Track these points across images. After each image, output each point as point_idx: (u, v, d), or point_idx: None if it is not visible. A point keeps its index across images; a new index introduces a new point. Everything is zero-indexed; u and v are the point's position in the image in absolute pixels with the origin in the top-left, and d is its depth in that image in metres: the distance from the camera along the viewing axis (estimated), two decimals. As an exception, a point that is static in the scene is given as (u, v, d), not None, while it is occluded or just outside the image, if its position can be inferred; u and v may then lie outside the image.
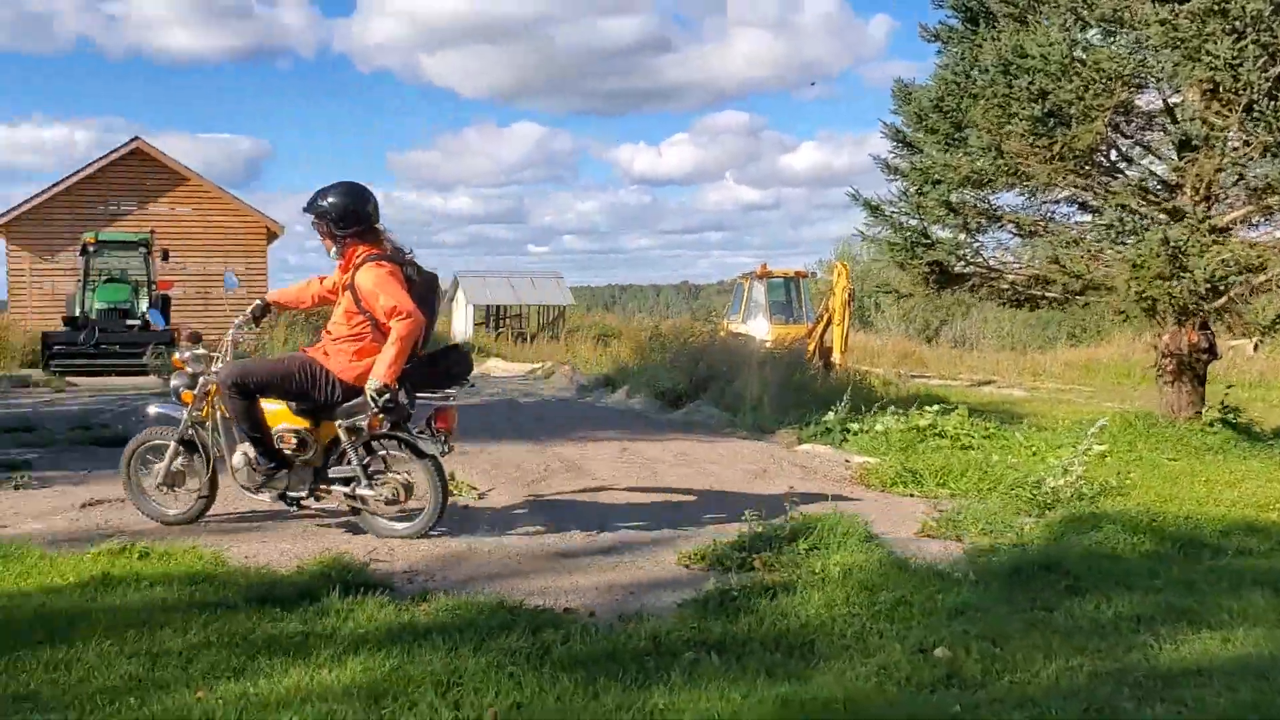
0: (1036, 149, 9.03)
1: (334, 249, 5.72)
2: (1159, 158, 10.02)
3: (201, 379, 5.84)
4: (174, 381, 6.06)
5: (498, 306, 42.82)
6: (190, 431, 5.89)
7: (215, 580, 4.62)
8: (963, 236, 10.47)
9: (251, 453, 5.65)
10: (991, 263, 10.69)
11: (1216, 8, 8.17)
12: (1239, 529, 5.97)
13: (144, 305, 19.06)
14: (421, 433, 5.73)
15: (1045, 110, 8.92)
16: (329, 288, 6.01)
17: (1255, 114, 8.46)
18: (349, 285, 5.62)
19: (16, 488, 6.94)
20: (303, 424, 5.68)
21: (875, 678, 3.63)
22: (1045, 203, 10.50)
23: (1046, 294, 10.44)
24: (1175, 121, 9.23)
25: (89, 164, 25.44)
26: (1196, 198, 9.29)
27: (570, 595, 4.70)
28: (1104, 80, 8.70)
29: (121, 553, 5.02)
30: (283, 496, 5.81)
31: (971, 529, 6.04)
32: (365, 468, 5.71)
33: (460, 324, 40.91)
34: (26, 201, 25.04)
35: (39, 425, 9.91)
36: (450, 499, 6.81)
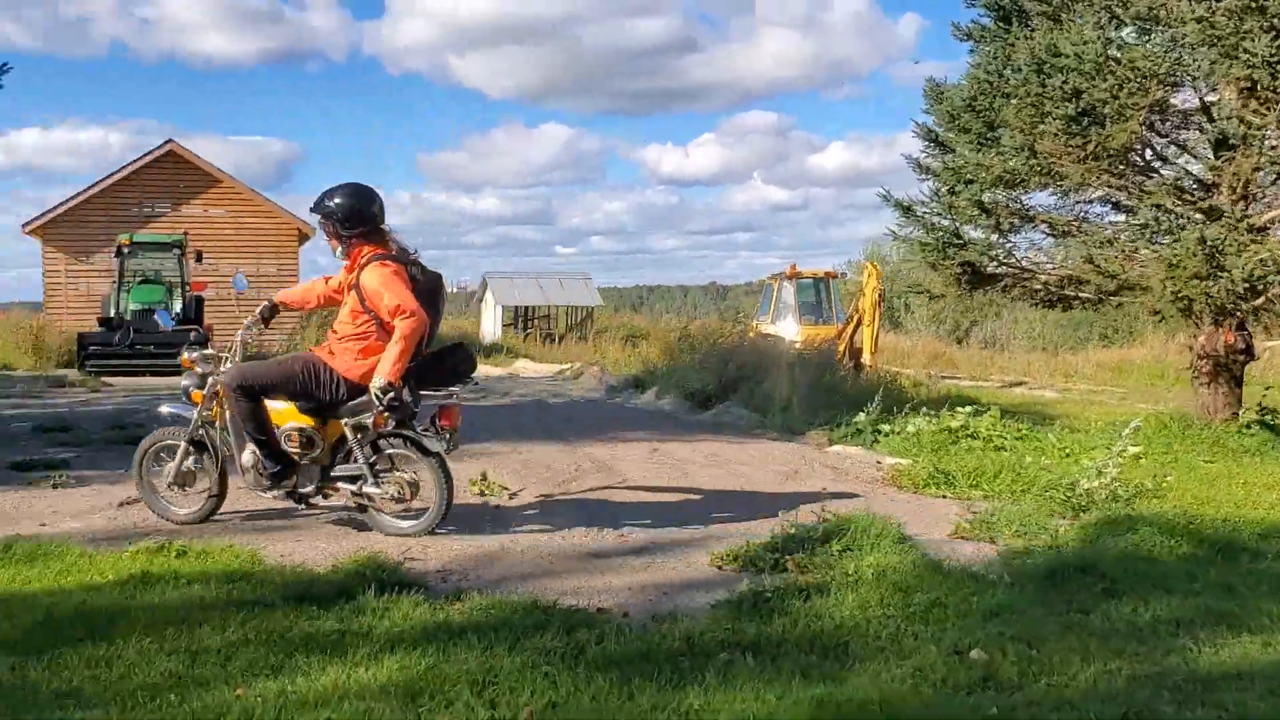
0: (1070, 148, 8.96)
1: (340, 249, 5.81)
2: (1195, 157, 9.92)
3: (210, 379, 5.91)
4: (183, 382, 6.14)
5: (526, 307, 42.88)
6: (200, 431, 5.97)
7: (252, 578, 4.67)
8: (995, 237, 10.40)
9: (257, 454, 5.72)
10: (1024, 263, 10.62)
11: (1254, 5, 8.07)
12: (1278, 532, 5.90)
13: (178, 306, 19.25)
14: (426, 430, 5.77)
15: (1079, 109, 8.85)
16: (334, 288, 6.09)
17: (1294, 112, 8.37)
18: (354, 285, 5.68)
19: (55, 486, 7.03)
20: (309, 422, 5.74)
21: (911, 680, 3.62)
22: (1078, 203, 10.42)
23: (1080, 294, 10.35)
24: (1212, 120, 9.13)
25: (123, 166, 25.74)
26: (1234, 196, 9.19)
27: (603, 595, 4.71)
28: (1139, 79, 8.62)
29: (159, 551, 5.08)
30: (291, 494, 5.88)
31: (1005, 531, 6.00)
32: (371, 466, 5.76)
33: (489, 325, 41.01)
34: (62, 204, 25.35)
35: (75, 425, 10.03)
36: (484, 498, 6.89)
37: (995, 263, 10.43)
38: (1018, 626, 4.17)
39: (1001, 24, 10.15)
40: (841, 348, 17.63)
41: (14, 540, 5.32)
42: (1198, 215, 9.14)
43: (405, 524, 5.82)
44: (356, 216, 5.70)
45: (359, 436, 5.73)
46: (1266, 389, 11.72)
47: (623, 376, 18.09)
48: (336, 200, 5.70)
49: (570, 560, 5.41)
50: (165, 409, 6.23)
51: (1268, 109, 8.50)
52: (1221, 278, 8.53)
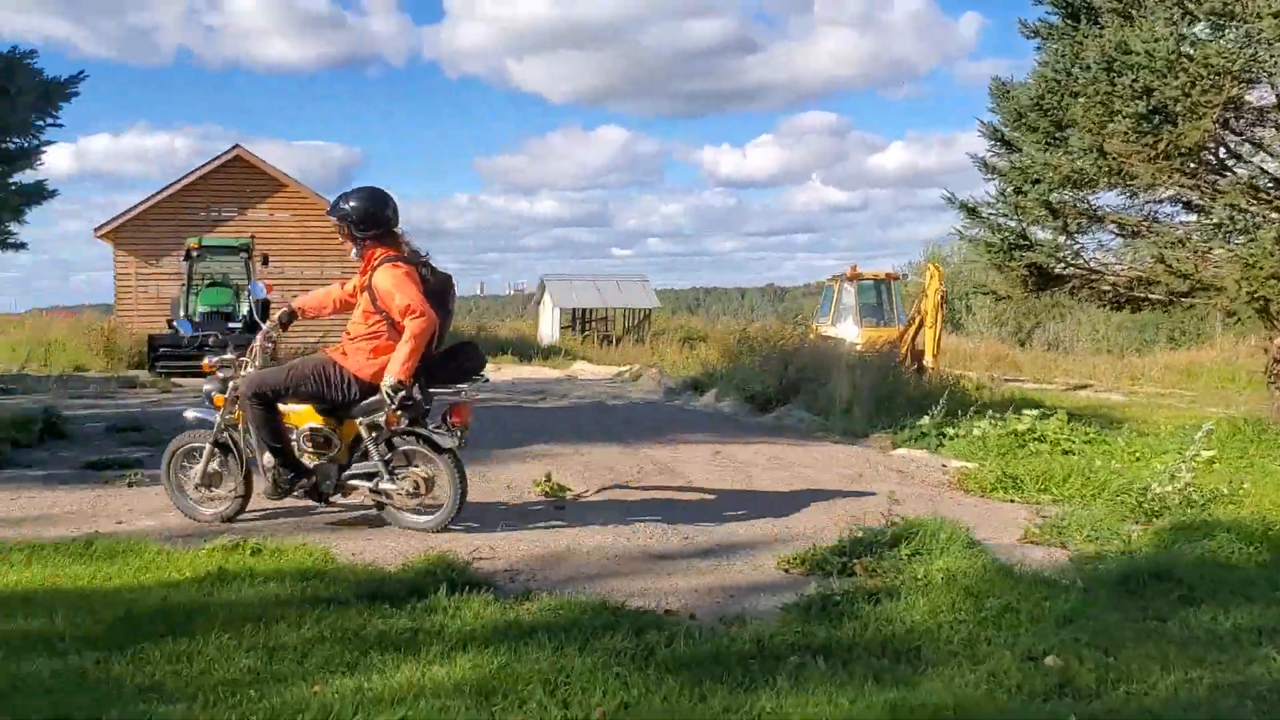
0: (1140, 148, 8.80)
1: (354, 250, 5.96)
2: (1271, 155, 9.69)
3: (231, 384, 6.05)
4: (206, 386, 6.31)
5: (584, 310, 43.05)
6: (225, 434, 6.12)
7: (325, 576, 4.74)
8: (1062, 238, 10.24)
9: (269, 462, 5.87)
10: (1092, 264, 10.45)
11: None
12: (1362, 539, 5.73)
13: (245, 308, 19.57)
14: (438, 428, 5.90)
15: (1149, 108, 8.70)
16: (350, 292, 6.21)
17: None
18: (366, 286, 5.83)
19: (130, 485, 7.20)
20: (327, 422, 5.91)
21: (985, 685, 3.58)
22: (1149, 202, 10.22)
23: (1150, 296, 10.16)
24: (1289, 117, 8.93)
25: (191, 171, 26.24)
26: (1312, 195, 8.96)
27: (670, 597, 4.72)
28: (1212, 76, 8.45)
29: (234, 549, 5.18)
30: (311, 492, 6.03)
31: (1076, 536, 5.91)
32: (387, 463, 5.91)
33: (546, 327, 41.24)
34: (133, 209, 25.90)
35: (147, 425, 10.24)
36: (548, 499, 6.92)
37: (1063, 264, 10.28)
38: (1093, 633, 4.10)
39: (1069, 21, 10.00)
40: (903, 350, 17.46)
41: (94, 538, 5.46)
42: (1274, 214, 8.93)
43: (421, 519, 5.95)
44: (370, 219, 5.85)
45: (374, 435, 5.89)
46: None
47: (681, 379, 18.06)
48: (352, 204, 5.85)
49: (636, 562, 5.42)
50: (190, 413, 6.40)
51: (1348, 105, 8.28)
52: (1300, 278, 8.33)
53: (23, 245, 16.30)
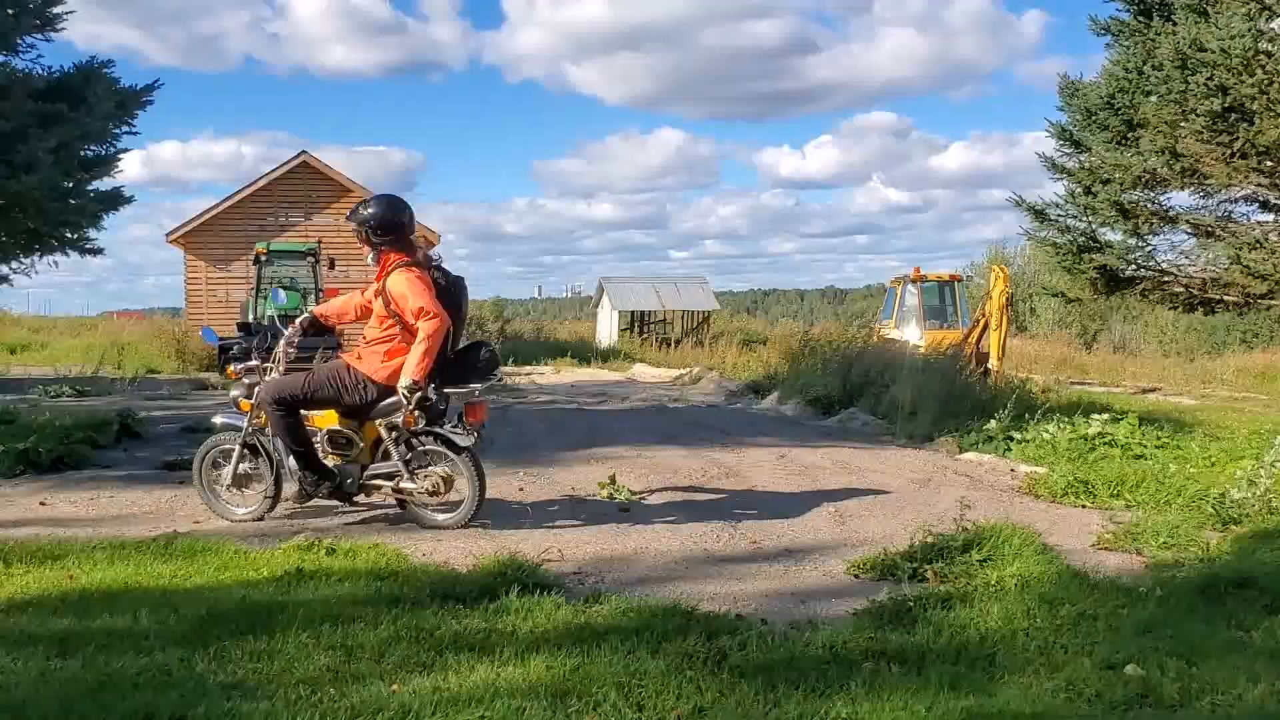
0: (1215, 147, 8.63)
1: (371, 255, 6.12)
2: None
3: (256, 389, 6.22)
4: (233, 392, 6.54)
5: (642, 312, 43.07)
6: (252, 438, 6.30)
7: (399, 576, 4.80)
8: (1133, 240, 10.06)
9: (294, 465, 6.03)
10: (1164, 265, 10.26)
11: None
12: None
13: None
14: (455, 427, 6.04)
15: (1225, 106, 8.52)
16: (368, 298, 6.31)
17: None
18: (381, 290, 5.99)
19: (205, 485, 7.33)
20: (348, 424, 6.11)
21: (1064, 693, 3.53)
22: (1224, 202, 10.01)
23: (1225, 298, 9.96)
24: (1371, 113, 8.68)
25: (259, 177, 26.71)
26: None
27: (740, 601, 4.71)
28: (1291, 72, 8.26)
29: (309, 549, 5.27)
30: (335, 492, 6.18)
31: (1151, 542, 5.80)
32: (407, 463, 6.06)
33: (605, 330, 41.31)
34: (203, 214, 26.43)
35: (220, 426, 10.41)
36: (613, 501, 6.94)
37: (1134, 266, 10.10)
38: (1173, 642, 4.02)
39: (1141, 18, 9.84)
40: (967, 352, 17.25)
41: (173, 537, 5.59)
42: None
43: (441, 517, 6.12)
44: (387, 225, 6.03)
45: (393, 436, 6.06)
46: None
47: (741, 381, 18.03)
48: (370, 210, 6.06)
49: (703, 565, 5.42)
50: (218, 418, 6.61)
51: None
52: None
53: (100, 250, 16.71)
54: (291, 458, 6.03)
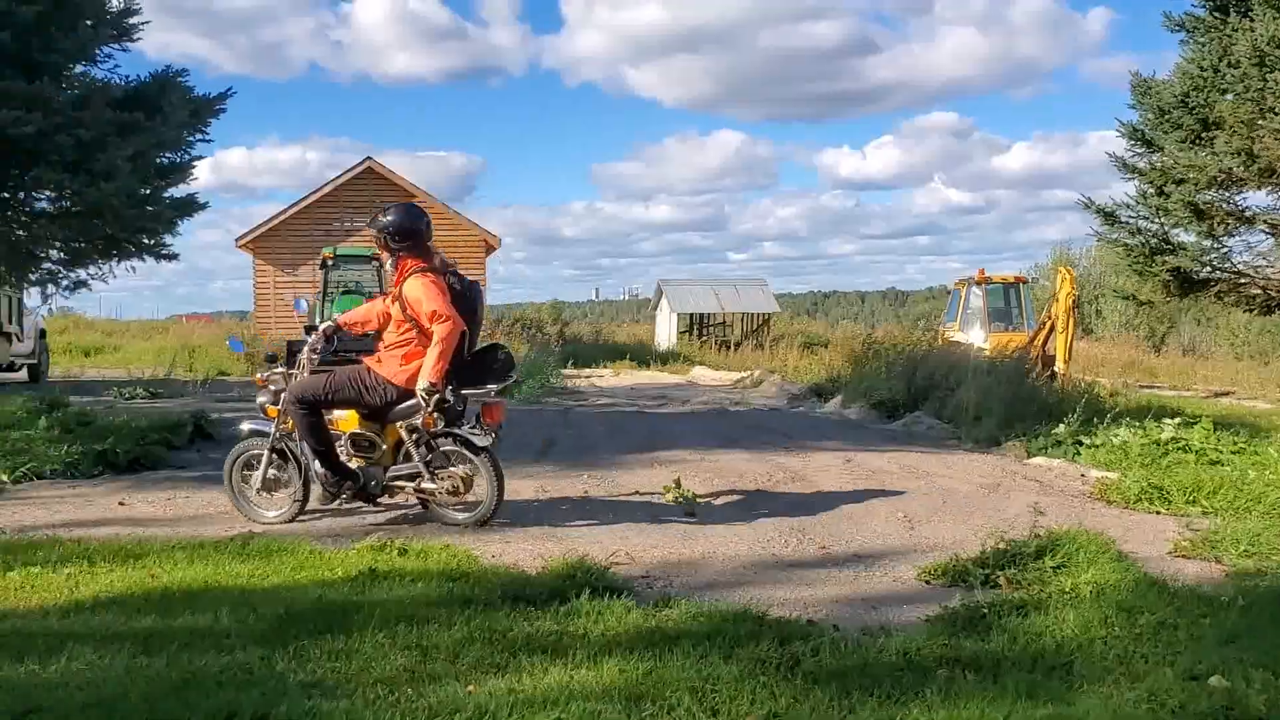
0: (1295, 144, 8.42)
1: (390, 261, 6.32)
2: None
3: (283, 395, 6.36)
4: (259, 399, 6.68)
5: (701, 314, 43.03)
6: (281, 442, 6.46)
7: (470, 578, 4.85)
8: (1208, 241, 9.85)
9: (319, 468, 6.19)
10: (1240, 267, 10.03)
11: None
12: None
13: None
14: (474, 428, 6.20)
15: (1305, 103, 8.31)
16: (388, 305, 6.41)
17: None
18: (398, 296, 6.15)
19: (279, 486, 7.46)
20: (370, 427, 6.28)
21: (1146, 704, 3.46)
22: (1304, 201, 9.77)
23: (1304, 299, 9.71)
24: None
25: (325, 183, 27.17)
26: None
27: (810, 607, 4.69)
28: (1375, 68, 8.03)
29: (382, 549, 5.35)
30: (359, 493, 6.34)
31: (1231, 550, 5.66)
32: (428, 464, 6.23)
33: (663, 332, 41.35)
34: (270, 220, 26.95)
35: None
36: (679, 504, 6.94)
37: (1208, 268, 9.88)
38: (1259, 653, 3.92)
39: (1217, 14, 9.62)
40: (1033, 355, 17.00)
41: (250, 537, 5.70)
42: None
43: (461, 516, 6.31)
44: (404, 232, 6.23)
45: (413, 437, 6.23)
46: None
47: (804, 385, 17.94)
48: (389, 218, 6.25)
49: (772, 570, 5.41)
50: (245, 424, 6.74)
51: None
52: None
53: (175, 256, 17.07)
54: (316, 460, 6.20)
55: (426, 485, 6.23)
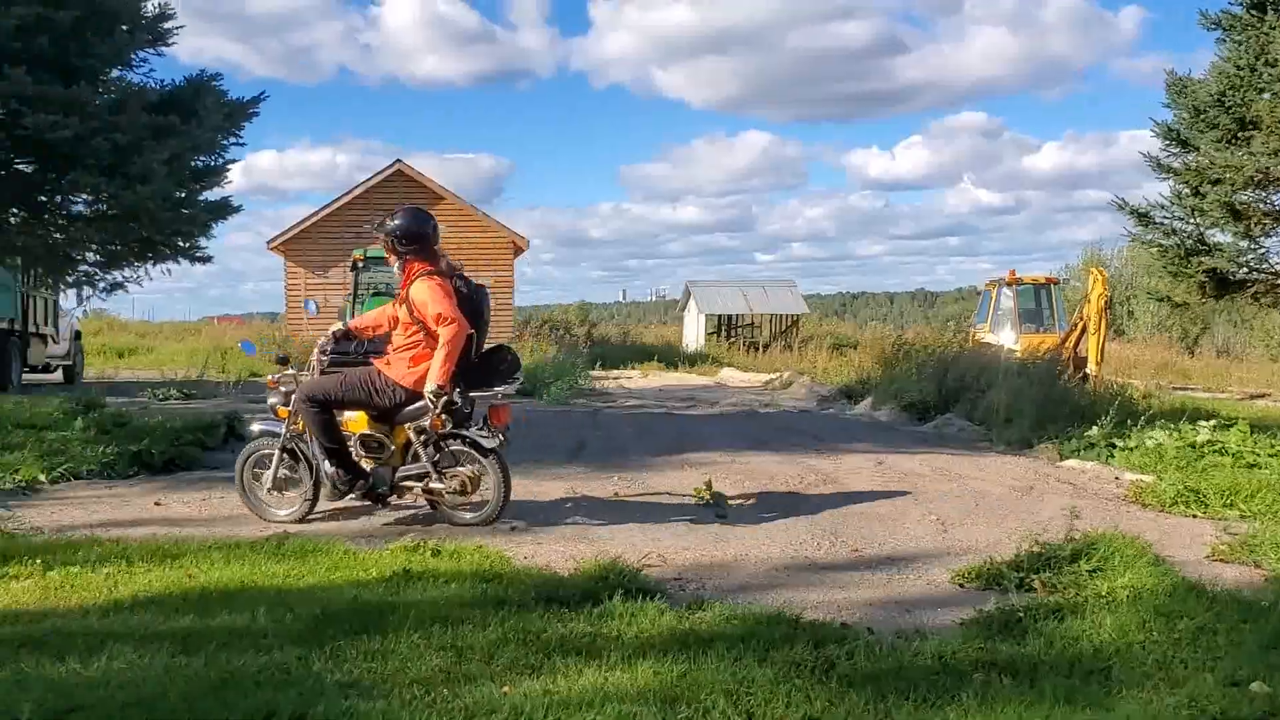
0: (1334, 143, 8.31)
1: (397, 264, 6.37)
2: None
3: (294, 395, 6.42)
4: (270, 400, 6.75)
5: (729, 316, 42.96)
6: (291, 443, 6.51)
7: (503, 579, 4.86)
8: (1245, 242, 9.73)
9: (329, 467, 6.25)
10: (1278, 268, 9.90)
11: None
12: None
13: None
14: (481, 430, 6.29)
15: (1344, 101, 8.21)
16: (396, 308, 6.44)
17: None
18: (405, 299, 6.20)
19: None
20: (379, 428, 6.35)
21: (1186, 710, 3.42)
22: (1343, 201, 9.64)
23: (1343, 301, 9.58)
24: None
25: (355, 186, 27.34)
26: None
27: (844, 610, 4.67)
28: None
29: (415, 550, 5.37)
30: (368, 495, 6.42)
31: (1271, 555, 5.59)
32: (436, 464, 6.30)
33: (691, 333, 41.31)
34: (301, 222, 27.15)
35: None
36: (710, 507, 6.94)
37: (1245, 269, 9.77)
38: (1301, 659, 3.88)
39: (1254, 12, 9.49)
40: (1065, 357, 16.87)
41: (285, 537, 5.74)
42: None
43: (469, 515, 6.38)
44: (411, 236, 6.29)
45: (422, 438, 6.31)
46: None
47: (833, 386, 17.88)
48: (396, 222, 6.32)
49: (805, 572, 5.39)
50: (255, 425, 6.83)
51: None
52: None
53: (209, 258, 17.25)
54: (328, 460, 6.26)
55: (434, 485, 6.30)
